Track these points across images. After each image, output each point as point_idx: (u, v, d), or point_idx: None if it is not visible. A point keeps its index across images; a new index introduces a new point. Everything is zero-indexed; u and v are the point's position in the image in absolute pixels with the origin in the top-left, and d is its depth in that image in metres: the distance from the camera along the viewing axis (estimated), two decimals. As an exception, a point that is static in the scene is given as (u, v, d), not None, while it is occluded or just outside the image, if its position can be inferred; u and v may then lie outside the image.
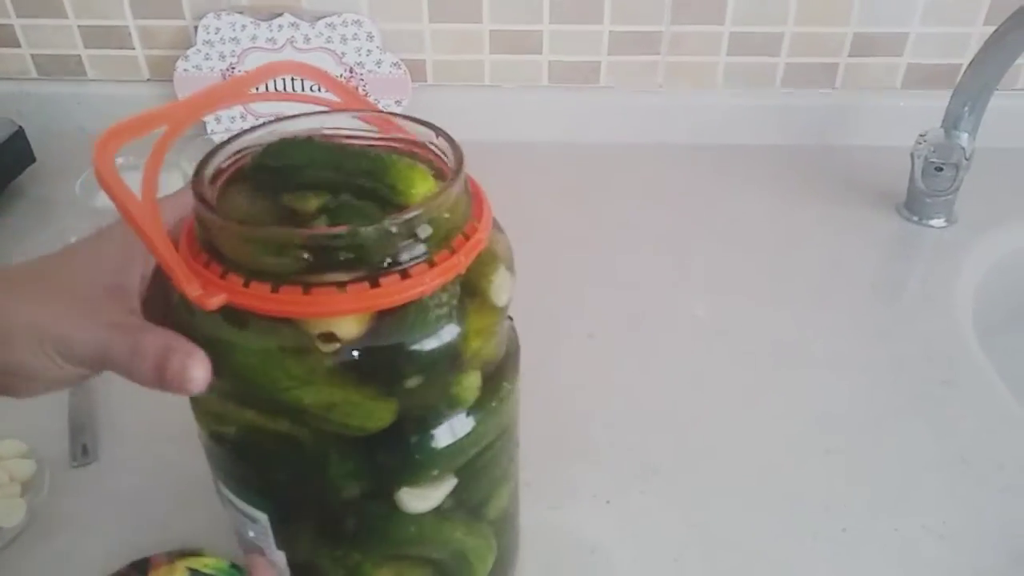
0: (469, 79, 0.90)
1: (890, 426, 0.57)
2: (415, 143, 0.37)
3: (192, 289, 0.30)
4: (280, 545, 0.36)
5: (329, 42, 0.86)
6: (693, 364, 0.62)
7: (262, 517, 0.36)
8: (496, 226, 0.36)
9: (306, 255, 0.30)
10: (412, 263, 0.31)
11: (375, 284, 0.30)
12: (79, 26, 0.89)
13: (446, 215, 0.32)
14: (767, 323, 0.66)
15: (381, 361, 0.32)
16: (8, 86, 0.92)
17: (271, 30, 0.85)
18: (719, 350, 0.64)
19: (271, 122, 0.36)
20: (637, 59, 0.89)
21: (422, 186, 0.33)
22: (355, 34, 0.85)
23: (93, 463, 0.53)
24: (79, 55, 0.91)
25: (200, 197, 0.32)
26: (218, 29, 0.86)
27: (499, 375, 0.37)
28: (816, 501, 0.52)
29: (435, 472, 0.35)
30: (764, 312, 0.67)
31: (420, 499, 0.35)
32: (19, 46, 0.90)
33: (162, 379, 0.31)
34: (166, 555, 0.45)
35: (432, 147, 0.36)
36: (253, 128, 0.36)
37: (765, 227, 0.79)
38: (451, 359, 0.33)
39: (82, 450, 0.53)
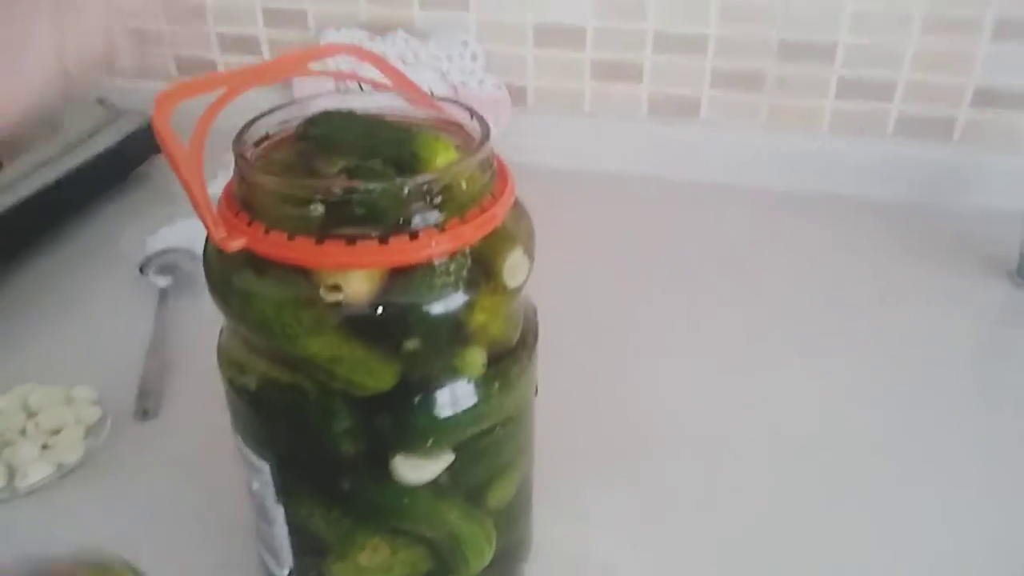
0: (568, 106, 0.92)
1: (974, 504, 0.52)
2: (452, 123, 0.38)
3: (218, 232, 0.33)
4: (279, 498, 0.37)
5: (436, 60, 0.89)
6: (755, 411, 0.59)
7: (265, 468, 0.37)
8: (521, 211, 0.37)
9: (320, 208, 0.31)
10: (423, 227, 0.32)
11: (384, 242, 0.31)
12: (216, 33, 0.97)
13: (462, 185, 0.33)
14: (847, 381, 0.62)
15: (386, 320, 0.32)
16: (153, 84, 1.00)
17: (384, 45, 0.90)
18: (785, 402, 0.60)
19: (318, 96, 0.38)
20: (740, 97, 0.88)
21: (444, 156, 0.34)
22: (461, 54, 0.89)
23: (152, 420, 0.57)
24: (214, 59, 0.99)
25: (237, 153, 0.34)
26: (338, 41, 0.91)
27: (509, 358, 0.37)
28: (853, 561, 0.48)
29: (430, 442, 0.35)
30: (847, 370, 0.64)
31: (414, 469, 0.35)
32: (163, 48, 0.99)
33: None
34: (69, 563, 0.39)
35: (468, 128, 0.37)
36: (303, 101, 0.38)
37: (862, 285, 0.74)
38: (454, 329, 0.34)
39: (143, 413, 0.57)
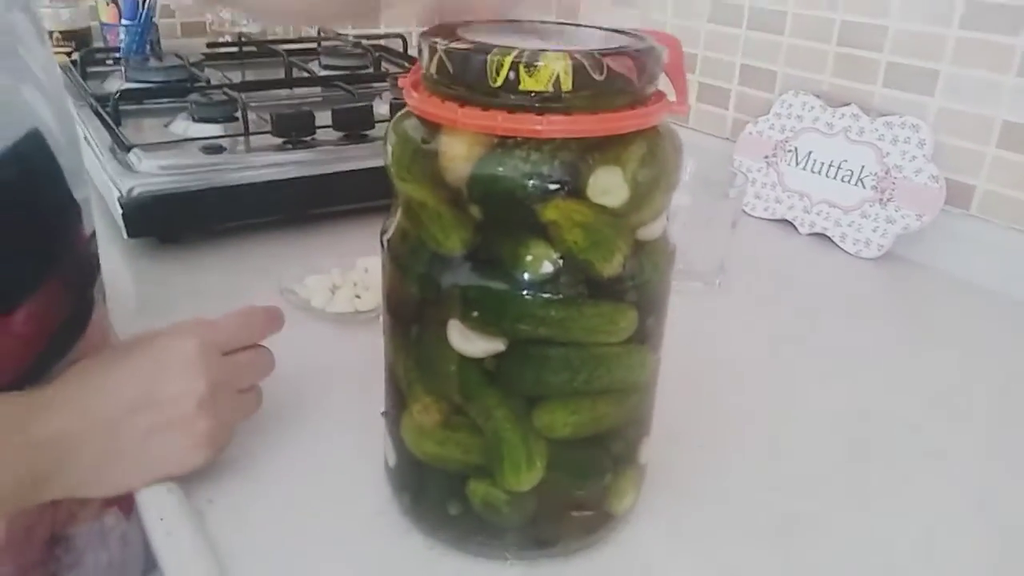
0: (1020, 223, 0.77)
1: None
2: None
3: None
4: (384, 336, 0.43)
5: (880, 139, 0.84)
6: None
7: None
8: (662, 151, 0.37)
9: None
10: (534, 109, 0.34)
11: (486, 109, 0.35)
12: (699, 83, 1.06)
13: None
14: None
15: (468, 185, 0.36)
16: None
17: (833, 116, 0.88)
18: None
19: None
20: None
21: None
22: (908, 138, 0.82)
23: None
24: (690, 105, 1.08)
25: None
26: (791, 105, 0.92)
27: (590, 285, 0.37)
28: None
29: (475, 313, 0.37)
30: None
31: (462, 338, 0.38)
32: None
33: None
34: None
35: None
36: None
37: None
38: (523, 214, 0.35)
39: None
